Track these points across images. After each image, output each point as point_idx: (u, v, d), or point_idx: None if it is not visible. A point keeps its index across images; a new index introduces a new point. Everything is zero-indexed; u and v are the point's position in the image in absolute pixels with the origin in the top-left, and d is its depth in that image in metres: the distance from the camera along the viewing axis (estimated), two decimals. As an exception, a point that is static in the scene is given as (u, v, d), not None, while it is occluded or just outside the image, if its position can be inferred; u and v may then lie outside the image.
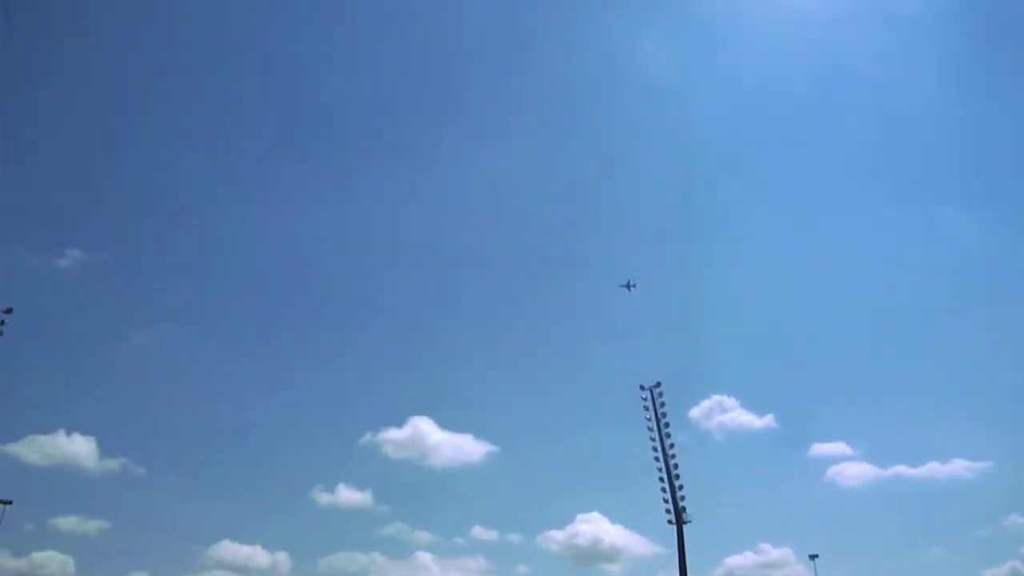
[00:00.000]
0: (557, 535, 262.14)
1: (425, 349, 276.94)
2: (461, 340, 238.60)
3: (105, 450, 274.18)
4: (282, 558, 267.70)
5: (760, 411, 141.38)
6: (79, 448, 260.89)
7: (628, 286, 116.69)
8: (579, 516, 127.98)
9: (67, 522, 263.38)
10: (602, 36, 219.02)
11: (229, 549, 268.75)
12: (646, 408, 71.15)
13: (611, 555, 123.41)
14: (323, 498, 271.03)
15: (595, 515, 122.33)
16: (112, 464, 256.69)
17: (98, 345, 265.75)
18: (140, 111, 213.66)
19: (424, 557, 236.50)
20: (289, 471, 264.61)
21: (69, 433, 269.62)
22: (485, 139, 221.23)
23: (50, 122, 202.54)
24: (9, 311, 59.98)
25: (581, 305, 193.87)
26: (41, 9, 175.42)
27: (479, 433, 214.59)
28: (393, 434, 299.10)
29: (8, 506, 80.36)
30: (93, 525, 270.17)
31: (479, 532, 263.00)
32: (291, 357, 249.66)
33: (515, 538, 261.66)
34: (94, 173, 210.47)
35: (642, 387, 72.18)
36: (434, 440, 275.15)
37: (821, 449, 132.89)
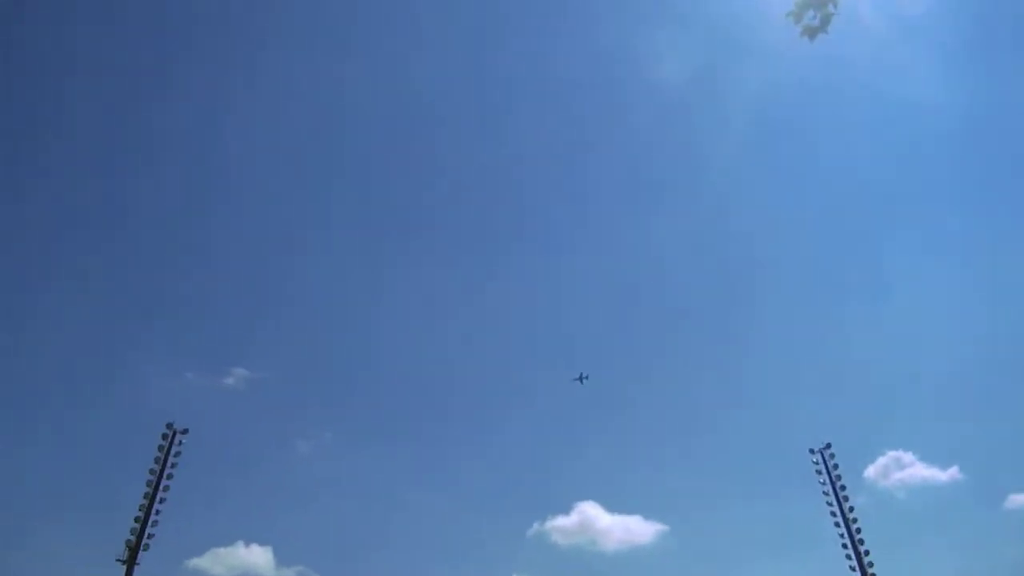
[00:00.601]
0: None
1: (583, 432, 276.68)
2: (618, 421, 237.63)
3: (281, 559, 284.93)
4: None
5: (943, 464, 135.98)
6: (257, 558, 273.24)
7: (580, 378, 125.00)
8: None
9: None
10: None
11: None
12: (818, 472, 68.91)
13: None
14: None
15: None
16: (289, 573, 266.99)
17: (268, 457, 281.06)
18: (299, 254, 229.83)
19: None
20: (461, 568, 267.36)
21: (247, 544, 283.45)
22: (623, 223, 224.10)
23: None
24: (185, 432, 65.10)
25: (733, 372, 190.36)
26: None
27: (648, 513, 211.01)
28: (561, 521, 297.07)
29: None
30: None
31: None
32: (448, 451, 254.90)
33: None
34: (260, 299, 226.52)
35: (811, 451, 70.04)
36: (603, 524, 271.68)
37: (1019, 500, 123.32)
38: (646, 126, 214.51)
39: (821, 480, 68.44)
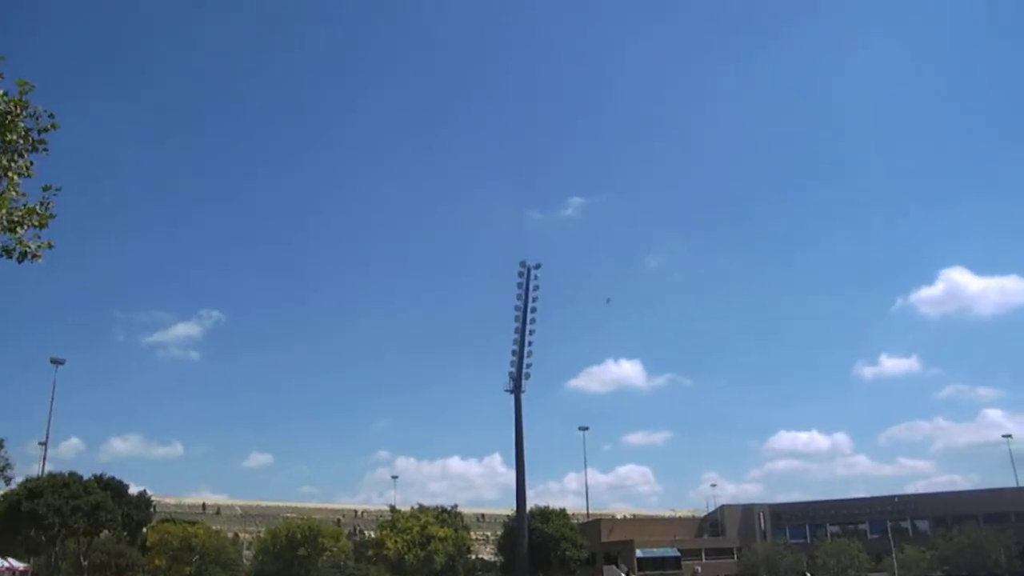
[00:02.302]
0: None
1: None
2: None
3: (651, 369, 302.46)
4: (841, 439, 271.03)
5: None
6: (628, 371, 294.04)
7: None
8: None
9: (636, 438, 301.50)
10: None
11: (786, 438, 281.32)
12: None
13: None
14: (868, 372, 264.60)
15: None
16: (660, 380, 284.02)
17: (620, 276, 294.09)
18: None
19: (993, 414, 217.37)
20: (825, 350, 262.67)
21: (616, 360, 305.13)
22: None
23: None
24: (538, 267, 68.89)
25: None
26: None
27: None
28: (925, 292, 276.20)
29: (586, 432, 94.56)
30: (659, 437, 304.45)
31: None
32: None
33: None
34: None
35: None
36: (972, 290, 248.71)
37: None
38: None
39: None
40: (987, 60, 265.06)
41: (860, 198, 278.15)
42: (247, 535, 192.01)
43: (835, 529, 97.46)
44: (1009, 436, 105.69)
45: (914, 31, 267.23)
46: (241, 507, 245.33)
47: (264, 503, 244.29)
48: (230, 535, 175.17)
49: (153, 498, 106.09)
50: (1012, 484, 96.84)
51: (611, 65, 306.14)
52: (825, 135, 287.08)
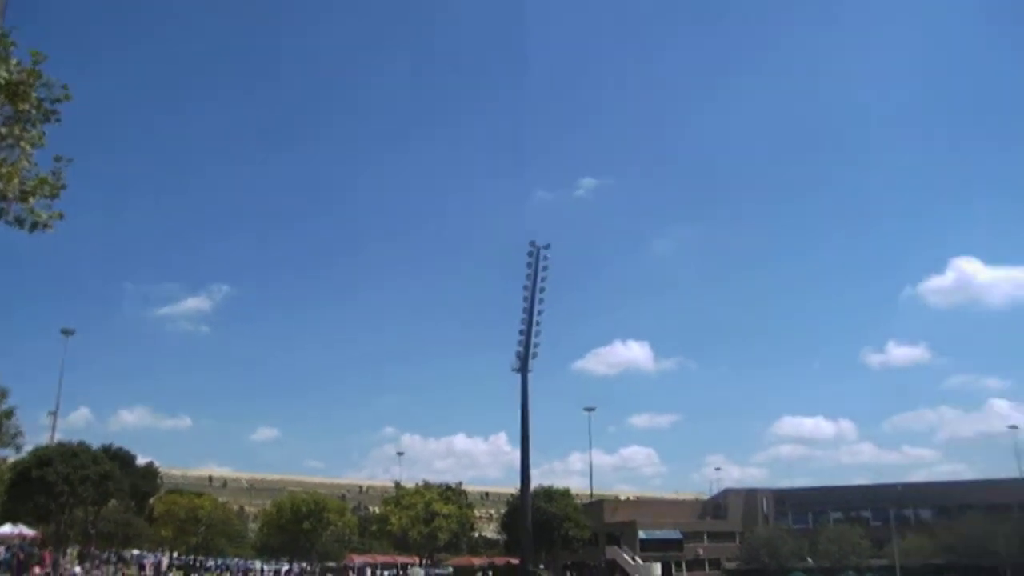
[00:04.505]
0: None
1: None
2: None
3: (660, 352, 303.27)
4: (846, 426, 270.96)
5: None
6: (636, 353, 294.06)
7: None
8: None
9: (641, 420, 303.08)
10: None
11: (791, 424, 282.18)
12: None
13: None
14: (874, 359, 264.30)
15: None
16: (668, 363, 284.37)
17: (627, 258, 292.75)
18: None
19: (999, 404, 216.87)
20: (833, 337, 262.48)
21: (624, 342, 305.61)
22: None
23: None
24: (547, 247, 68.56)
25: None
26: None
27: None
28: (935, 282, 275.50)
29: (592, 412, 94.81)
30: (665, 419, 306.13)
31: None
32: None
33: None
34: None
35: None
36: (982, 280, 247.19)
37: None
38: None
39: None
40: (996, 59, 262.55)
41: (872, 187, 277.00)
42: (252, 508, 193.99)
43: (837, 515, 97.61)
44: (1015, 427, 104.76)
45: (929, 29, 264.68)
46: (247, 480, 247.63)
47: (270, 476, 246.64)
48: (236, 507, 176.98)
49: (160, 469, 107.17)
50: (1016, 475, 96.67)
51: (626, 53, 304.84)
52: (839, 127, 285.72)
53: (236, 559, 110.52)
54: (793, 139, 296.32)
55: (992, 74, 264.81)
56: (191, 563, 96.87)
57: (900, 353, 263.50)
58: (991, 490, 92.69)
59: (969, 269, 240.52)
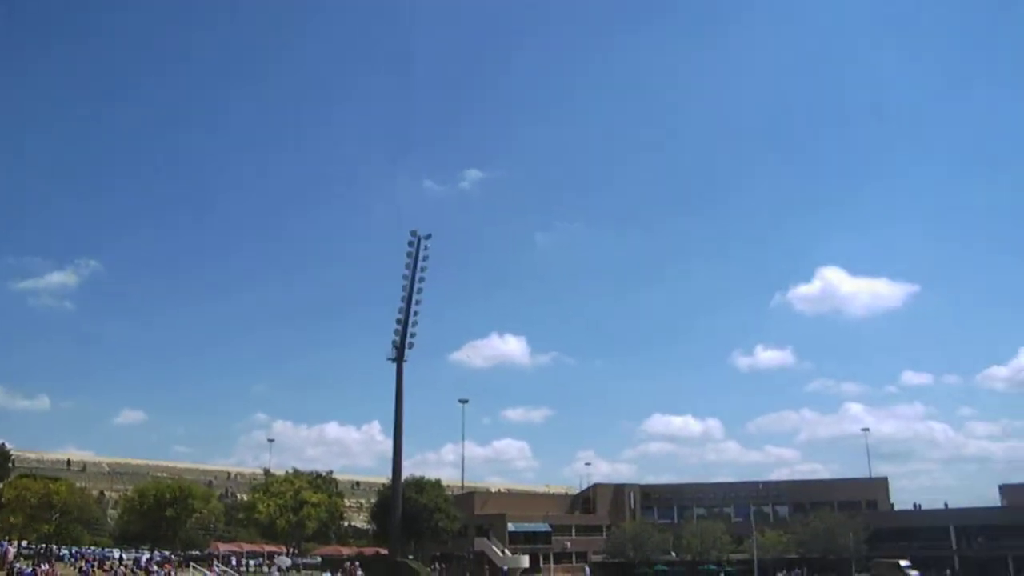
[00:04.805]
0: (1000, 372, 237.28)
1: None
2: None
3: (536, 346, 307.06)
4: (714, 424, 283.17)
5: None
6: (512, 347, 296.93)
7: None
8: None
9: (515, 413, 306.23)
10: None
11: (661, 421, 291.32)
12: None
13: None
14: (743, 362, 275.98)
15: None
16: (544, 359, 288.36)
17: (510, 253, 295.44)
18: None
19: (855, 408, 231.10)
20: (705, 338, 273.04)
21: (501, 335, 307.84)
22: None
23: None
24: (429, 237, 68.30)
25: None
26: None
27: (894, 275, 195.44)
28: (803, 290, 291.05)
29: (466, 404, 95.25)
30: (538, 414, 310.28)
31: (910, 377, 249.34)
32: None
33: (952, 379, 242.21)
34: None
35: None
36: (846, 290, 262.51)
37: None
38: None
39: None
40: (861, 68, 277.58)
41: (749, 197, 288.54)
42: (114, 493, 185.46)
43: (701, 511, 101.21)
44: (867, 430, 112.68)
45: (792, 38, 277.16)
46: (109, 464, 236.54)
47: (134, 461, 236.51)
48: (96, 493, 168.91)
49: (13, 452, 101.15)
50: (866, 475, 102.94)
51: (516, 42, 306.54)
52: (715, 138, 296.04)
53: (93, 548, 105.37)
54: (675, 146, 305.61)
55: (856, 83, 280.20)
56: (42, 552, 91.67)
57: (767, 356, 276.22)
58: (842, 488, 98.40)
59: (834, 279, 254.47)
